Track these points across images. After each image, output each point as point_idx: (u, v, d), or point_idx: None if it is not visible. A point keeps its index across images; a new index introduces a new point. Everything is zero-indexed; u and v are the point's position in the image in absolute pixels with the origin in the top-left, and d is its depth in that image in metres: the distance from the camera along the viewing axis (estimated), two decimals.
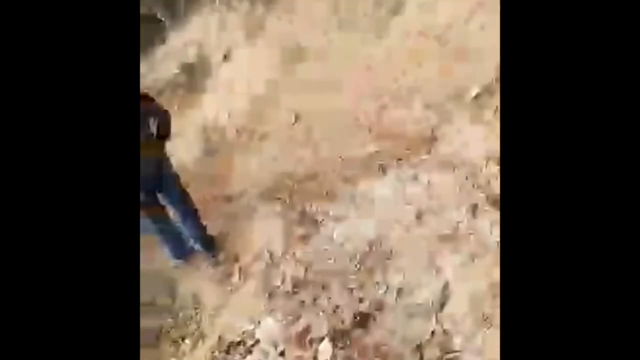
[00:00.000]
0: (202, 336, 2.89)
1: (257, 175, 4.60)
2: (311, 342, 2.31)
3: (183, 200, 3.33)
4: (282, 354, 2.35)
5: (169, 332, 3.03)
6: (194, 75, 6.36)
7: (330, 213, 3.21)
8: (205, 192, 4.67)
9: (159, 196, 3.22)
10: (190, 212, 3.36)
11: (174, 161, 3.34)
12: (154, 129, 3.10)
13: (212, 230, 3.53)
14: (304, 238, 3.13)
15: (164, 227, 3.30)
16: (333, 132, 4.13)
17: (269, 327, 2.52)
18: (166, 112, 3.24)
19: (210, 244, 3.43)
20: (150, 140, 3.03)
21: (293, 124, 5.14)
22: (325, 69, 4.96)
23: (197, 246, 3.42)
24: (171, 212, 3.38)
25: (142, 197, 2.96)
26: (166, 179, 3.18)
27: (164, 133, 3.15)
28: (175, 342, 2.97)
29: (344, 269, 2.75)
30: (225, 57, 6.35)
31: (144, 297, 3.48)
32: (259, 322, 2.64)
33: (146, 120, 3.02)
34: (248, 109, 5.64)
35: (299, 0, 5.81)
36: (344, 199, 3.28)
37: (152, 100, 3.20)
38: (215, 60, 6.39)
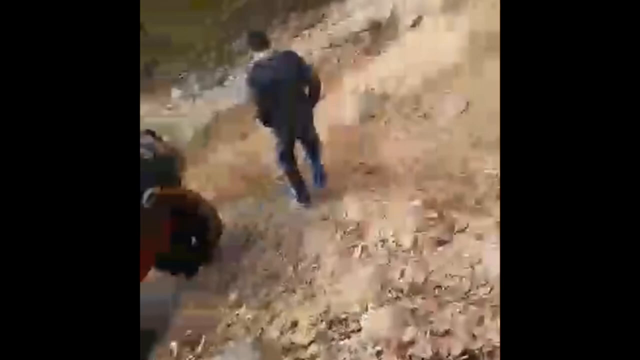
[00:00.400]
0: (312, 295, 2.93)
1: (409, 153, 4.45)
2: (410, 358, 2.19)
3: (317, 140, 3.97)
4: (378, 354, 2.27)
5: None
6: (378, 35, 6.26)
7: (475, 225, 2.97)
8: (349, 160, 4.67)
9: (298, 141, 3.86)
10: (319, 152, 4.03)
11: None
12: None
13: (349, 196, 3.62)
14: (439, 243, 2.95)
15: (294, 173, 3.94)
16: None
17: (375, 320, 2.45)
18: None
19: (325, 182, 4.09)
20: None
21: (461, 113, 4.82)
22: None
23: (318, 183, 4.08)
24: (304, 152, 4.06)
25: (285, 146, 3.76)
26: (307, 121, 3.82)
27: None
28: (286, 291, 3.07)
29: (467, 293, 2.54)
30: (414, 25, 6.10)
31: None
32: (367, 309, 2.59)
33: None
34: (417, 84, 5.40)
35: None
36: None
37: None
38: (403, 25, 6.18)
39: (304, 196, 3.99)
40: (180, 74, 7.21)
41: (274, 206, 4.25)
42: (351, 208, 3.59)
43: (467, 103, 4.64)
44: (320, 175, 4.10)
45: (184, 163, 3.56)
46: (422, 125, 4.81)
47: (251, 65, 3.55)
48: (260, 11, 7.29)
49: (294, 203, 4.06)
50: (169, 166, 3.22)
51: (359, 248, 3.10)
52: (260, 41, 3.52)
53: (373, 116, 5.57)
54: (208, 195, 4.16)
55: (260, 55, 3.46)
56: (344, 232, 3.31)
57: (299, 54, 3.81)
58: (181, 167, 3.46)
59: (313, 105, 3.79)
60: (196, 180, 4.71)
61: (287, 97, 3.51)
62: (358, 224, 3.37)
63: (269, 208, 4.24)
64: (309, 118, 3.82)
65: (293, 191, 4.02)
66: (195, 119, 6.45)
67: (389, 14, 6.22)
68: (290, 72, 3.47)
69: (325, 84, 6.29)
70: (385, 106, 5.55)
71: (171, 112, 6.79)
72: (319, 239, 3.38)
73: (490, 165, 3.66)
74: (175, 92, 7.11)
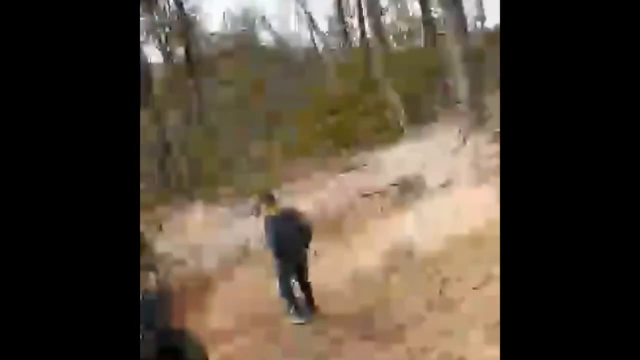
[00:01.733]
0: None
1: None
2: None
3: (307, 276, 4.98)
4: None
5: None
6: (407, 191, 6.46)
7: None
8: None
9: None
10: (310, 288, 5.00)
11: None
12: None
13: None
14: None
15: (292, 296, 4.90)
16: None
17: None
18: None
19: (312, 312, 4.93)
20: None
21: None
22: None
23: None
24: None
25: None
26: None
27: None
28: None
29: None
30: (444, 185, 6.28)
31: None
32: None
33: None
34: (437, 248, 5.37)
35: None
36: None
37: None
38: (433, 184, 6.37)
39: (303, 312, 4.88)
40: None
41: None
42: None
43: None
44: (309, 307, 4.97)
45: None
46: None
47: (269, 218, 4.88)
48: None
49: (295, 319, 4.83)
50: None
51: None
52: (268, 198, 5.09)
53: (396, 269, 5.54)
54: None
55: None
56: None
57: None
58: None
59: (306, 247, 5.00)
60: None
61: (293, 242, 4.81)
62: None
63: None
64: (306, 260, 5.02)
65: (292, 310, 4.90)
66: None
67: (419, 173, 6.46)
68: (292, 226, 4.84)
69: (351, 232, 6.44)
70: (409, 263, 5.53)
71: None
72: None
73: None
74: None
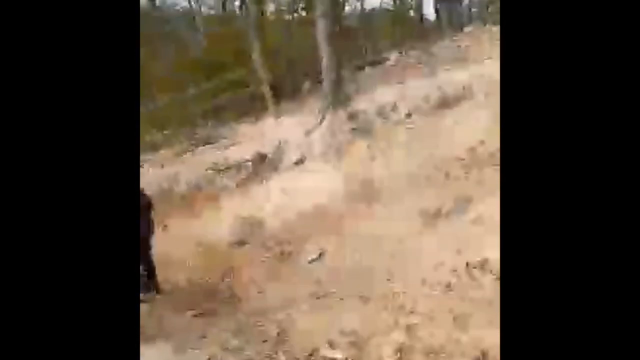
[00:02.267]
0: None
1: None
2: None
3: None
4: None
5: None
6: (261, 167, 6.54)
7: None
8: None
9: None
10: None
11: None
12: None
13: None
14: None
15: None
16: None
17: None
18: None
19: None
20: None
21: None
22: None
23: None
24: None
25: None
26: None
27: None
28: None
29: None
30: (297, 163, 6.47)
31: None
32: None
33: None
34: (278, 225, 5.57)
35: None
36: None
37: None
38: (287, 161, 6.53)
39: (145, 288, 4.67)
40: None
41: None
42: None
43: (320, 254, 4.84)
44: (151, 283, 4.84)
45: None
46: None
47: None
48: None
49: None
50: None
51: None
52: None
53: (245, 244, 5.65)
54: None
55: None
56: None
57: None
58: None
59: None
60: None
61: None
62: None
63: None
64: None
65: None
66: None
67: (276, 149, 6.57)
68: None
69: (204, 205, 6.38)
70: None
71: None
72: None
73: None
74: None
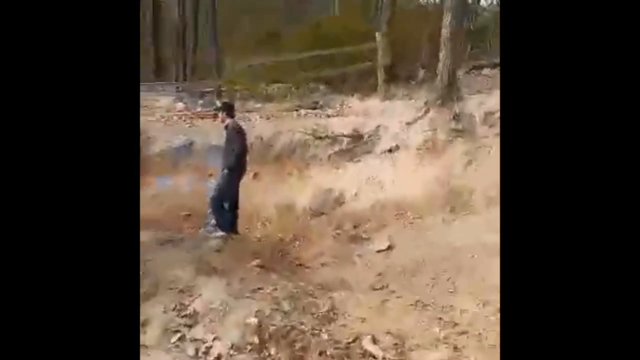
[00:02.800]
0: None
1: None
2: None
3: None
4: None
5: None
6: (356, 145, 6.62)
7: None
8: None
9: None
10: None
11: None
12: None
13: None
14: None
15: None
16: None
17: None
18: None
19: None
20: None
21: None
22: None
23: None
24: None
25: None
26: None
27: None
28: None
29: None
30: (390, 150, 6.42)
31: None
32: None
33: None
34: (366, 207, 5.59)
35: None
36: None
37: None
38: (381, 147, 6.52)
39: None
40: None
41: None
42: None
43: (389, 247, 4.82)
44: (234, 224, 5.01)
45: None
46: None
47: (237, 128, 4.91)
48: None
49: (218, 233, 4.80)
50: None
51: None
52: (229, 108, 5.09)
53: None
54: None
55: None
56: None
57: None
58: None
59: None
60: None
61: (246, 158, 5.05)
62: None
63: None
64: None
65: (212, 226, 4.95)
66: None
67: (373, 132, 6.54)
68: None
69: (292, 168, 6.59)
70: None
71: None
72: None
73: None
74: None
